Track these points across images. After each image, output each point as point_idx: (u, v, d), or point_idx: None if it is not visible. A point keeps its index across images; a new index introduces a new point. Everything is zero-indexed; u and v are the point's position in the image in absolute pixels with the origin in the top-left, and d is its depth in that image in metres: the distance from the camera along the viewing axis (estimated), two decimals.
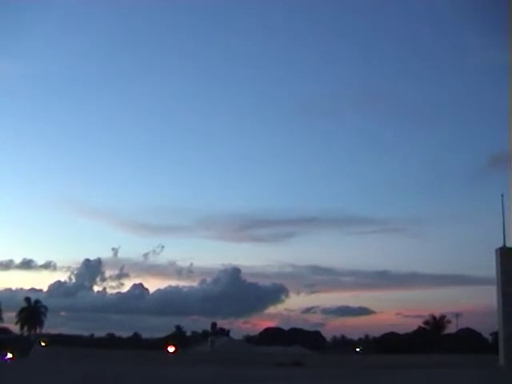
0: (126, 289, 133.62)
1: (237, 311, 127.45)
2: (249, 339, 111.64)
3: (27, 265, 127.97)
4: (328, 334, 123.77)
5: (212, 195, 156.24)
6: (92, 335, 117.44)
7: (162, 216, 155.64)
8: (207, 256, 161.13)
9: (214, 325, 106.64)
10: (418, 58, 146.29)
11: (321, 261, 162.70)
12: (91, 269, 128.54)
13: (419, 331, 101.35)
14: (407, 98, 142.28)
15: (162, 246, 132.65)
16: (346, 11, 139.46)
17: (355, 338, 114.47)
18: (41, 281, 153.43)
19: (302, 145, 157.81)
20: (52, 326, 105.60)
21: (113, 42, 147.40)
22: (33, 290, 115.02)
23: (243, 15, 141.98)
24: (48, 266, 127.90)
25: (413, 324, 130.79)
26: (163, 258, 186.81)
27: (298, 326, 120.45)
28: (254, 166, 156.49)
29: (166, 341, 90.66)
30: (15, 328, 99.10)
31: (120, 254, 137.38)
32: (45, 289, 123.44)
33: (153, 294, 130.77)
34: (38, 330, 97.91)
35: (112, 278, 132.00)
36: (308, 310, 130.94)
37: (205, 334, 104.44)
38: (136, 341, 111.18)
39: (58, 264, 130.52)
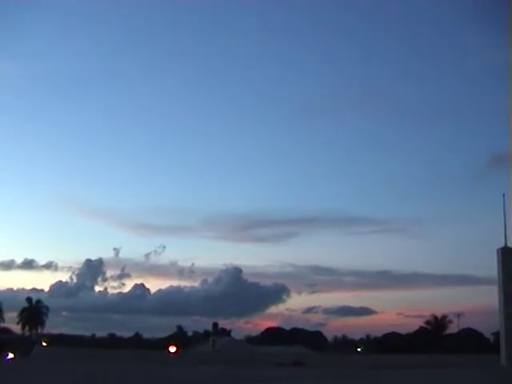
0: (127, 289, 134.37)
1: (238, 311, 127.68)
2: (250, 339, 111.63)
3: (29, 265, 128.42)
4: (329, 333, 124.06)
5: (212, 195, 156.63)
6: (93, 335, 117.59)
7: (163, 216, 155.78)
8: (208, 256, 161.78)
9: (215, 325, 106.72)
10: (418, 57, 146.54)
11: (322, 261, 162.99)
12: (92, 269, 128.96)
13: (420, 331, 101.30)
14: (407, 98, 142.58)
15: (164, 246, 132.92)
16: (346, 11, 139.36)
17: (356, 337, 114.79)
18: (42, 281, 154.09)
19: (302, 145, 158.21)
20: (53, 326, 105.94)
21: (113, 42, 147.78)
22: (34, 290, 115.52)
23: (243, 15, 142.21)
24: (49, 266, 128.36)
25: (414, 324, 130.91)
26: (164, 258, 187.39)
27: (300, 325, 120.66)
28: (254, 166, 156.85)
29: (168, 341, 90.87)
30: (17, 328, 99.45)
31: (121, 254, 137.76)
32: (46, 289, 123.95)
33: (154, 294, 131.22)
34: (39, 330, 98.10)
35: (113, 278, 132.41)
36: (309, 310, 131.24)
37: (206, 334, 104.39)
38: (137, 341, 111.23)
39: (60, 264, 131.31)
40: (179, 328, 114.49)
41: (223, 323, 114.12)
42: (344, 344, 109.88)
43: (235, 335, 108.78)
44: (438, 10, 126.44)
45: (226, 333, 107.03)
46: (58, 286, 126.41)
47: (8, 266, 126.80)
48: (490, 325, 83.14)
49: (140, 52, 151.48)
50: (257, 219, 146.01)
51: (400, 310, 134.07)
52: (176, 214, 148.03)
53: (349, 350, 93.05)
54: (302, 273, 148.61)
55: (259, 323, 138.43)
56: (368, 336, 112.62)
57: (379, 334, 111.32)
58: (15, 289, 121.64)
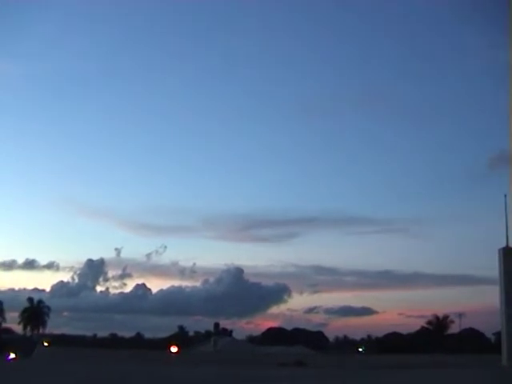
0: (128, 289, 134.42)
1: (239, 311, 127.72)
2: (251, 339, 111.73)
3: (30, 265, 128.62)
4: (331, 334, 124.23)
5: (212, 195, 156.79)
6: (95, 335, 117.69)
7: (163, 216, 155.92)
8: (210, 256, 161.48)
9: (216, 325, 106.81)
10: (418, 57, 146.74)
11: (323, 261, 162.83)
12: (94, 269, 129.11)
13: (422, 331, 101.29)
14: (407, 98, 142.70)
15: (165, 247, 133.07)
16: (346, 11, 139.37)
17: (358, 338, 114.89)
18: (44, 281, 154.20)
19: (302, 145, 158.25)
20: (55, 326, 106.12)
21: (113, 42, 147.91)
22: (36, 290, 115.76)
23: (243, 15, 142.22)
24: (51, 266, 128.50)
25: (415, 324, 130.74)
26: (166, 258, 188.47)
27: (301, 326, 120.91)
28: (254, 166, 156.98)
29: (169, 341, 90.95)
30: (18, 328, 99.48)
31: (123, 254, 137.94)
32: (48, 289, 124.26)
33: (155, 294, 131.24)
34: (40, 331, 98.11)
35: (115, 278, 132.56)
36: (311, 310, 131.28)
37: (207, 334, 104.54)
38: (139, 341, 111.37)
39: (61, 264, 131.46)
40: (181, 328, 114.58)
41: (224, 323, 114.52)
42: (345, 344, 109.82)
43: (236, 335, 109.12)
44: (437, 10, 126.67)
45: (227, 333, 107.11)
46: (60, 286, 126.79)
47: (9, 266, 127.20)
48: (491, 325, 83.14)
49: (140, 52, 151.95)
50: (257, 219, 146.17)
51: (401, 310, 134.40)
52: (176, 214, 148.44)
53: (350, 350, 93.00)
54: (304, 273, 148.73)
55: (260, 323, 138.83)
56: (369, 336, 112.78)
57: (380, 334, 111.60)
58: (17, 289, 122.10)
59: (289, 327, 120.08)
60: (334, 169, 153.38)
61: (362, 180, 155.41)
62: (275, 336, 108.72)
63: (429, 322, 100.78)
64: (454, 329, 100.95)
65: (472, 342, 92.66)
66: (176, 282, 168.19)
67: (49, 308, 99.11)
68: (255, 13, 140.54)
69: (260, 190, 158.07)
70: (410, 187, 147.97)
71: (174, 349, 72.55)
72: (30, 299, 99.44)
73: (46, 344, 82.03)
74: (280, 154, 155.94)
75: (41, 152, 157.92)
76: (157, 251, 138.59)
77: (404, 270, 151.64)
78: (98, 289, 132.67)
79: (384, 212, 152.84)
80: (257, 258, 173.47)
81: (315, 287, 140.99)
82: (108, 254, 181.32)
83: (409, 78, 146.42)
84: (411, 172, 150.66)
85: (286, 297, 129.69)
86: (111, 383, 25.90)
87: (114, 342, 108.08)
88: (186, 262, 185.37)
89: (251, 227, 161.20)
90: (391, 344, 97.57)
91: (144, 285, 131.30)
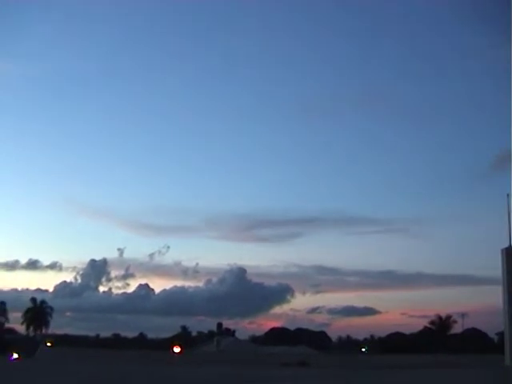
0: (131, 289, 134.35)
1: (242, 311, 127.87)
2: (254, 339, 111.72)
3: (33, 265, 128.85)
4: (333, 334, 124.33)
5: (212, 195, 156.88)
6: (98, 335, 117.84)
7: (163, 216, 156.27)
8: (212, 256, 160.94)
9: (219, 325, 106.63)
10: (418, 57, 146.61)
11: (326, 261, 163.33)
12: (97, 269, 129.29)
13: (425, 331, 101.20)
14: (407, 98, 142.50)
15: (168, 247, 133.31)
16: (346, 11, 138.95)
17: (361, 338, 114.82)
18: (46, 281, 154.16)
19: (302, 145, 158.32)
20: (58, 326, 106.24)
21: (113, 42, 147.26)
22: (38, 290, 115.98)
23: (243, 15, 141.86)
24: (54, 266, 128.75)
25: (418, 324, 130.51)
26: (169, 258, 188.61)
27: (304, 326, 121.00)
28: (254, 166, 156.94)
29: (172, 341, 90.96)
30: (21, 328, 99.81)
31: (125, 255, 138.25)
32: (50, 289, 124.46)
33: (158, 294, 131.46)
34: (43, 331, 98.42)
35: (118, 278, 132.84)
36: (313, 310, 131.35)
37: (210, 335, 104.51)
38: (142, 341, 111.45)
39: (64, 264, 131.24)
40: (183, 328, 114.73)
41: (227, 323, 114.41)
42: (348, 344, 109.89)
43: (239, 335, 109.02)
44: (437, 10, 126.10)
45: (230, 333, 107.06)
46: (63, 287, 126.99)
47: (12, 266, 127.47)
48: (494, 325, 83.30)
49: (140, 52, 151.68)
50: (258, 219, 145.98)
51: (404, 310, 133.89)
52: (177, 214, 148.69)
53: (353, 350, 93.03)
54: (306, 273, 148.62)
55: (263, 323, 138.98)
56: (372, 336, 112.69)
57: (383, 334, 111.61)
58: (20, 289, 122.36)
59: (292, 327, 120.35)
60: (334, 169, 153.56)
61: (362, 180, 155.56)
62: (278, 336, 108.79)
63: (431, 322, 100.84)
64: (456, 329, 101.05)
65: (475, 342, 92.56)
66: (179, 282, 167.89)
67: (52, 308, 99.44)
68: (255, 13, 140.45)
69: (260, 189, 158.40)
70: (411, 187, 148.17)
71: (176, 349, 72.48)
72: (33, 299, 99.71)
73: (48, 344, 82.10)
74: (280, 153, 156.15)
75: (41, 152, 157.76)
76: (160, 251, 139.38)
77: (406, 270, 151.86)
78: (101, 289, 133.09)
79: (384, 212, 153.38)
80: (259, 258, 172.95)
81: (318, 287, 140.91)
82: (110, 254, 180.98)
83: (409, 78, 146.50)
84: (412, 172, 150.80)
85: (288, 297, 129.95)
86: (114, 383, 25.94)
87: (116, 342, 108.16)
88: (188, 262, 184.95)
89: (252, 227, 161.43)
90: (394, 344, 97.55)
91: (147, 285, 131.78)
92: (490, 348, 78.43)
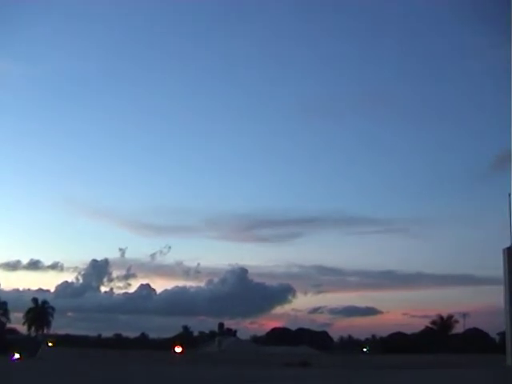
0: (133, 289, 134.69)
1: (244, 311, 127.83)
2: (256, 339, 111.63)
3: (34, 265, 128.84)
4: (335, 334, 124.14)
5: (212, 195, 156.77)
6: (99, 335, 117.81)
7: (164, 216, 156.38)
8: (214, 256, 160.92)
9: (221, 325, 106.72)
10: (418, 58, 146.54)
11: (325, 261, 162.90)
12: (98, 269, 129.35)
13: (426, 331, 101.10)
14: (407, 98, 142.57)
15: (169, 247, 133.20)
16: (346, 11, 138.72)
17: (362, 338, 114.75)
18: (48, 281, 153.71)
19: (301, 145, 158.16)
20: (59, 326, 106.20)
21: (113, 43, 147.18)
22: (40, 290, 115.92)
23: (243, 16, 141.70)
24: (55, 266, 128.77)
25: (420, 324, 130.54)
26: (170, 258, 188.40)
27: (305, 326, 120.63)
28: (254, 166, 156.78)
29: (174, 341, 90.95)
30: (23, 328, 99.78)
31: (127, 255, 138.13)
32: (52, 289, 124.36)
33: (160, 294, 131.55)
34: (45, 331, 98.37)
35: (119, 278, 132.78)
36: (315, 310, 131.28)
37: (212, 335, 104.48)
38: (143, 341, 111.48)
39: (65, 265, 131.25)
40: (185, 328, 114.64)
41: (229, 323, 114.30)
42: (350, 344, 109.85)
43: (241, 335, 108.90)
44: (437, 10, 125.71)
45: (231, 333, 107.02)
46: (64, 287, 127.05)
47: (14, 266, 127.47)
48: (495, 325, 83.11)
49: (140, 52, 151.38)
50: (258, 219, 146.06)
51: (405, 310, 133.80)
52: (177, 214, 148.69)
53: (355, 350, 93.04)
54: (308, 273, 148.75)
55: (265, 323, 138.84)
56: (374, 336, 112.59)
57: (385, 334, 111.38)
58: (21, 289, 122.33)
59: (293, 327, 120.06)
60: (334, 169, 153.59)
61: (362, 180, 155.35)
62: (279, 336, 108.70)
63: (433, 322, 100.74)
64: (458, 329, 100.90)
65: (476, 342, 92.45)
66: (180, 283, 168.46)
67: (53, 308, 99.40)
68: (255, 13, 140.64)
69: (260, 189, 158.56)
70: (411, 187, 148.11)
71: (178, 349, 72.53)
72: (35, 300, 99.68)
73: (50, 344, 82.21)
74: (280, 154, 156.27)
75: (41, 152, 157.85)
76: (161, 251, 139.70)
77: (406, 270, 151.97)
78: (103, 289, 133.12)
79: (384, 212, 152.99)
80: (260, 258, 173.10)
81: (319, 287, 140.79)
82: (112, 255, 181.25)
83: (409, 78, 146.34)
84: (411, 172, 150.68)
85: (290, 297, 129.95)
86: (116, 383, 25.97)
87: (118, 342, 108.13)
88: (190, 262, 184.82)
89: (253, 227, 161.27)
90: (395, 344, 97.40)
91: (148, 285, 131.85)
92: (491, 348, 78.34)
